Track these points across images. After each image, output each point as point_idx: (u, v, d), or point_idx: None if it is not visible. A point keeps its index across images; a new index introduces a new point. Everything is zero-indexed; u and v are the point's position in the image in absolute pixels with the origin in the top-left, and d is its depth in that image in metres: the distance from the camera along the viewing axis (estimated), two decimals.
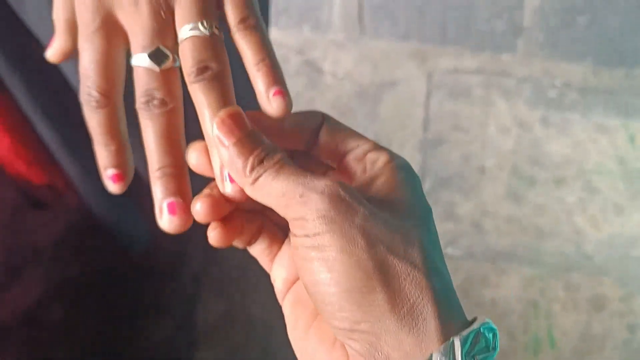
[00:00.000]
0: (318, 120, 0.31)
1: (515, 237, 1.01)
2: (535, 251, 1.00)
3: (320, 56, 1.13)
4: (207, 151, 0.30)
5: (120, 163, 0.32)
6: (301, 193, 0.26)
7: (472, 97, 1.10)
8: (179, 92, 0.31)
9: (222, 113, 0.28)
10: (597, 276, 0.99)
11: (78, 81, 0.48)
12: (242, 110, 0.28)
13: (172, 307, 0.77)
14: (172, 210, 0.30)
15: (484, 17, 1.14)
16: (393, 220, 0.26)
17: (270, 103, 0.29)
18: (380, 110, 1.09)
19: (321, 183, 0.26)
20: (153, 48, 0.30)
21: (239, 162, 0.27)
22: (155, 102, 0.30)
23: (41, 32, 0.46)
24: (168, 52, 0.30)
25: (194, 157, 0.30)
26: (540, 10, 1.14)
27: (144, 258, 0.66)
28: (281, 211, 0.27)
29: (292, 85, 1.11)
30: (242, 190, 0.28)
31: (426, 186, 1.05)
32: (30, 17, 0.45)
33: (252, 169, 0.27)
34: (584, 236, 1.01)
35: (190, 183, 0.31)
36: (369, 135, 1.09)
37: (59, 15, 0.34)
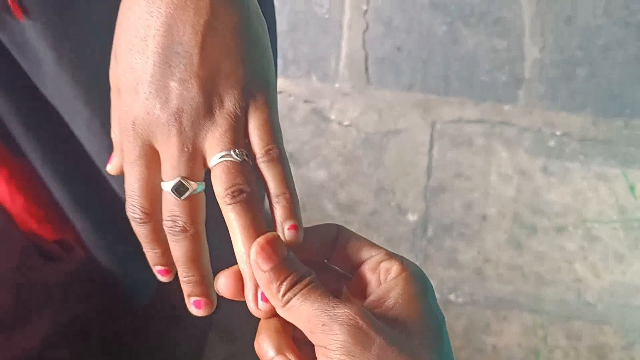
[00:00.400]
0: (333, 232, 0.34)
1: (517, 285, 1.02)
2: (537, 298, 1.01)
3: (327, 105, 1.17)
4: (234, 277, 0.33)
5: (165, 262, 0.37)
6: (324, 322, 0.28)
7: (474, 146, 1.13)
8: (201, 217, 0.34)
9: (262, 239, 0.31)
10: (598, 324, 0.99)
11: (92, 146, 0.52)
12: (278, 235, 0.31)
13: (178, 351, 0.79)
14: (197, 305, 0.35)
15: (486, 68, 1.18)
16: (408, 343, 0.29)
17: (284, 235, 0.32)
18: (385, 158, 1.12)
19: (342, 312, 0.28)
20: (176, 179, 0.33)
21: (273, 286, 0.30)
22: (177, 228, 0.33)
23: (57, 102, 0.49)
24: (189, 185, 0.33)
25: (222, 284, 0.33)
26: (541, 63, 1.18)
27: (150, 306, 0.68)
28: (308, 335, 0.30)
29: (300, 133, 1.15)
30: (273, 309, 0.31)
31: (429, 233, 1.07)
32: (48, 89, 0.48)
33: (285, 293, 0.30)
34: (585, 284, 1.02)
35: (212, 282, 0.35)
36: (373, 182, 1.13)
37: (115, 137, 0.38)
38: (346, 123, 1.16)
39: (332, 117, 1.16)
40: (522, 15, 1.19)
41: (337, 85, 1.19)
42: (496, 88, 1.17)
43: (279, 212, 0.33)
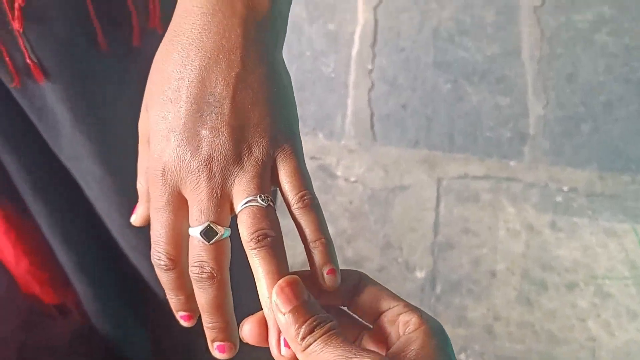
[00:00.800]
0: (356, 279, 0.34)
1: (528, 343, 1.00)
2: (549, 357, 0.99)
3: (333, 161, 1.18)
4: (258, 324, 0.33)
5: (189, 308, 0.37)
6: None
7: (480, 202, 1.13)
8: (227, 262, 0.35)
9: (282, 282, 0.31)
10: None
11: (102, 204, 0.52)
12: (299, 279, 0.32)
13: None
14: (221, 350, 0.35)
15: (490, 125, 1.19)
16: None
17: (323, 279, 0.33)
18: (392, 214, 1.12)
19: None
20: (205, 224, 0.33)
21: (292, 329, 0.30)
22: (205, 275, 0.34)
23: (72, 164, 0.50)
24: (218, 229, 0.34)
25: (247, 330, 0.33)
26: (544, 119, 1.20)
27: None
28: None
29: None
30: (295, 356, 0.31)
31: (437, 290, 1.05)
32: (64, 151, 0.49)
33: (304, 337, 0.30)
34: (599, 342, 1.00)
35: (235, 326, 0.35)
36: (380, 238, 1.12)
37: (141, 187, 0.39)
38: (352, 179, 1.16)
39: (339, 173, 1.17)
40: (525, 73, 1.22)
41: (343, 142, 1.20)
42: (501, 144, 1.18)
43: (317, 258, 0.33)
